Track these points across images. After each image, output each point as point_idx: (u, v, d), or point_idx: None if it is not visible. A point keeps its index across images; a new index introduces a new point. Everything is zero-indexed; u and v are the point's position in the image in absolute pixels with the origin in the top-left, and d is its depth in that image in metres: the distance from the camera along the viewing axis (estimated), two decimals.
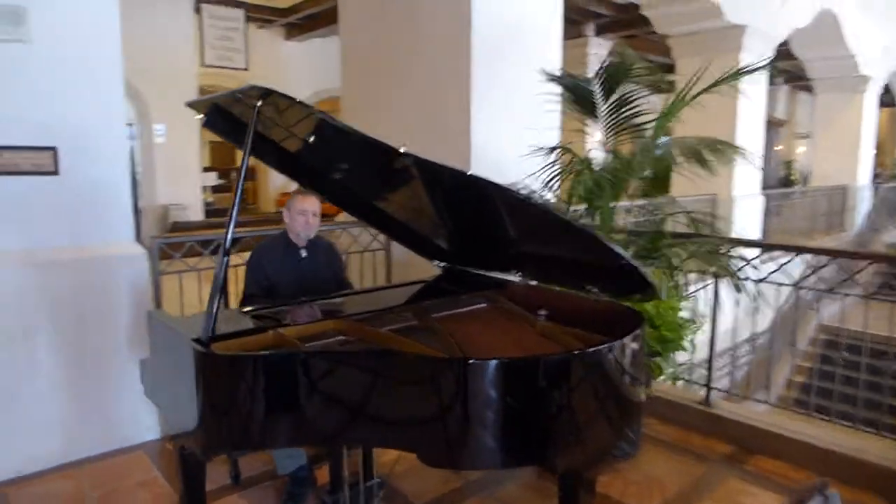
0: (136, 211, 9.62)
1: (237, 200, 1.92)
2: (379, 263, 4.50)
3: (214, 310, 1.87)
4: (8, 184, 2.84)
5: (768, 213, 9.36)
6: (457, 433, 1.84)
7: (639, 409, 2.23)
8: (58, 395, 2.97)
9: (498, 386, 1.82)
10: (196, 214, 9.71)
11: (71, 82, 2.95)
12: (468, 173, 2.21)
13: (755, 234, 8.60)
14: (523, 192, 2.85)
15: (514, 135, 3.92)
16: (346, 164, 2.64)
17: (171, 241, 3.44)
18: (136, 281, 3.15)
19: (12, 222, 2.87)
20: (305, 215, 2.84)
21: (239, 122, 2.24)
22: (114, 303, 3.09)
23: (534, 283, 2.80)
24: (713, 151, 3.16)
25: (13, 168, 2.84)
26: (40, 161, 2.89)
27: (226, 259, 1.86)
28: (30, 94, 2.85)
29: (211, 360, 1.81)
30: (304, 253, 2.93)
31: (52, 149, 2.92)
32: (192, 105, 2.28)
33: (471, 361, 1.80)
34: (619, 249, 2.05)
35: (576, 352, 1.93)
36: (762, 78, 8.25)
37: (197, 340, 1.88)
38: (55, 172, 2.94)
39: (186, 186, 9.57)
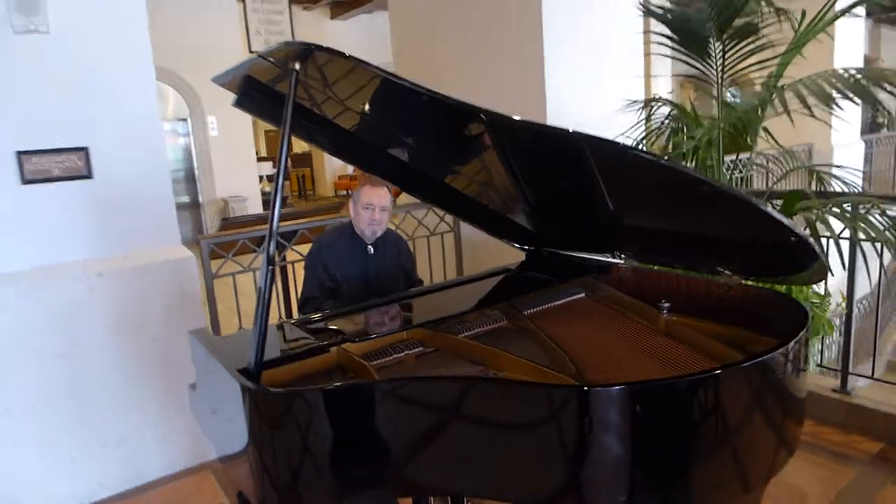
0: (198, 206, 9.63)
1: (277, 196, 1.51)
2: (448, 247, 4.08)
3: (261, 332, 1.49)
4: (39, 193, 2.56)
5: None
6: (576, 481, 1.40)
7: (800, 422, 1.73)
8: (111, 416, 2.72)
9: (640, 418, 1.36)
10: (255, 206, 9.57)
11: (96, 75, 2.64)
12: (565, 130, 1.73)
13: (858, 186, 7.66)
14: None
15: (596, 88, 3.38)
16: (411, 135, 2.20)
17: (221, 241, 3.12)
18: (186, 287, 2.85)
19: (45, 234, 2.60)
20: (372, 210, 2.43)
21: (278, 96, 1.84)
22: (163, 313, 2.80)
23: (641, 265, 2.31)
24: (854, 86, 2.53)
25: (43, 174, 2.56)
26: (71, 164, 2.60)
27: (270, 269, 1.46)
28: (52, 89, 2.55)
29: (263, 399, 1.43)
30: (371, 248, 2.53)
31: (83, 149, 2.63)
32: (220, 82, 1.89)
33: (597, 389, 1.35)
34: (785, 220, 1.53)
35: (745, 363, 1.44)
36: (860, 11, 7.23)
37: (244, 371, 1.50)
38: (88, 176, 2.65)
39: (243, 178, 9.41)
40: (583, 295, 2.30)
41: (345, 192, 14.44)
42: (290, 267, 3.42)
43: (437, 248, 4.03)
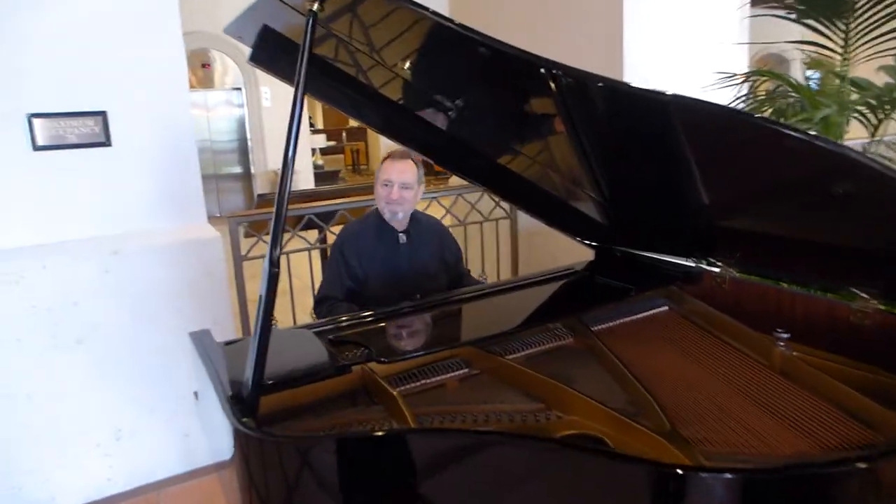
0: (249, 177, 9.50)
1: (287, 181, 1.16)
2: (503, 236, 3.69)
3: (259, 350, 1.15)
4: (52, 161, 2.31)
5: None
6: None
7: None
8: (125, 408, 2.49)
9: None
10: (307, 178, 9.38)
11: (117, 33, 2.35)
12: (661, 92, 1.33)
13: None
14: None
15: (684, 56, 2.88)
16: (460, 100, 1.82)
17: (253, 219, 2.84)
18: (211, 270, 2.57)
19: (57, 206, 2.36)
20: (390, 187, 2.07)
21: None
22: (186, 299, 2.54)
23: (742, 275, 1.87)
24: None
25: (57, 140, 2.30)
26: (87, 130, 2.34)
27: (273, 273, 1.12)
28: (68, 47, 2.28)
29: (258, 445, 1.10)
30: (403, 238, 2.17)
31: (101, 113, 2.36)
32: (232, 33, 1.55)
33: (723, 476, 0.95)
34: None
35: None
36: None
37: (236, 399, 1.18)
38: (107, 143, 2.38)
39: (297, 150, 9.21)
40: (666, 309, 1.89)
41: None
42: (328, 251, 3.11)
43: (490, 236, 3.64)
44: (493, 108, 1.92)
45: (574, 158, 1.93)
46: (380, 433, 1.12)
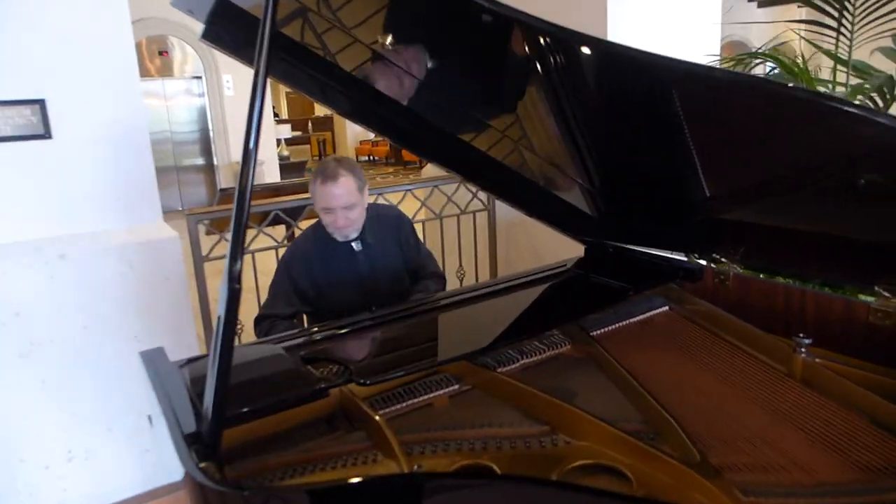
0: (212, 169, 9.14)
1: (249, 179, 0.97)
2: (480, 228, 3.53)
3: (219, 381, 0.97)
4: None
5: None
6: None
7: None
8: (77, 427, 2.27)
9: None
10: (272, 170, 9.06)
11: (56, 12, 2.11)
12: (662, 56, 1.21)
13: None
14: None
15: (668, 40, 2.75)
16: (433, 75, 1.64)
17: (214, 216, 2.62)
18: (170, 274, 2.36)
19: None
20: (332, 214, 1.85)
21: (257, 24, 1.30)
22: (143, 306, 2.32)
23: (747, 272, 1.75)
24: None
25: None
26: (24, 120, 2.09)
27: (233, 290, 0.94)
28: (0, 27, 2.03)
29: (218, 498, 0.92)
30: (357, 245, 1.97)
31: (40, 102, 2.12)
32: (182, 7, 1.34)
33: None
34: None
35: None
36: None
37: (194, 439, 1.00)
38: (46, 135, 2.14)
39: (260, 141, 8.87)
40: (666, 309, 1.75)
41: (366, 158, 13.91)
42: None
43: (468, 229, 3.48)
44: (469, 83, 1.75)
45: (560, 140, 1.79)
46: (360, 479, 0.95)
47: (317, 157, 14.25)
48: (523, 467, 1.08)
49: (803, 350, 1.35)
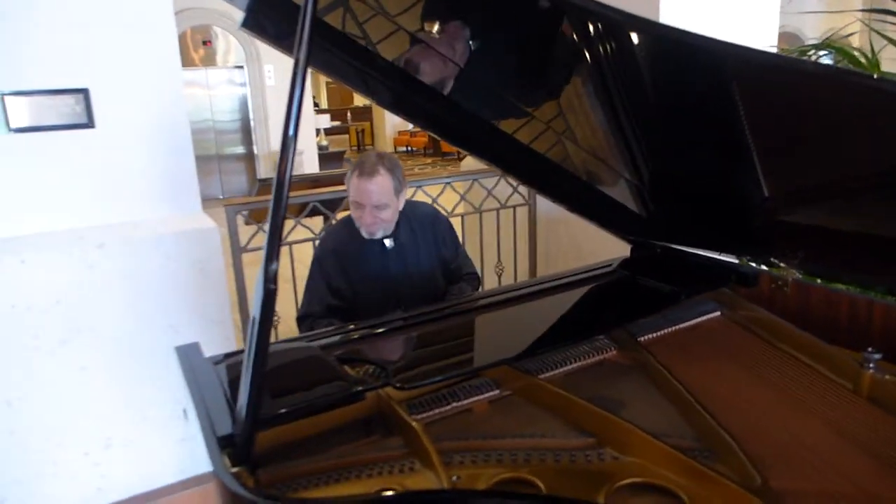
0: (252, 158, 9.24)
1: (287, 172, 0.92)
2: (520, 223, 3.46)
3: (254, 386, 0.93)
4: (29, 144, 2.09)
5: None
6: None
7: None
8: (115, 414, 2.29)
9: None
10: (311, 160, 9.12)
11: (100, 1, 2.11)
12: (728, 43, 1.12)
13: None
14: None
15: (725, 21, 2.62)
16: (479, 65, 1.58)
17: (253, 207, 2.62)
18: (208, 265, 2.36)
19: (35, 194, 2.14)
20: (362, 210, 1.80)
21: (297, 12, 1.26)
22: (181, 296, 2.33)
23: (807, 279, 1.64)
24: None
25: (34, 121, 2.08)
26: (68, 109, 2.11)
27: (269, 290, 0.90)
28: (45, 16, 2.04)
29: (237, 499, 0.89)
30: (389, 243, 1.91)
31: (83, 91, 2.13)
32: None
33: None
34: None
35: None
36: None
37: (227, 442, 0.97)
38: (89, 124, 2.15)
39: (300, 130, 8.93)
40: (718, 315, 1.66)
41: (405, 149, 13.90)
42: None
43: (507, 224, 3.41)
44: (513, 71, 1.68)
45: (608, 133, 1.71)
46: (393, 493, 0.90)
47: (355, 148, 14.31)
48: (568, 483, 1.02)
49: (872, 365, 1.25)
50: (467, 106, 1.75)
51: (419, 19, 1.52)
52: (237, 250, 2.56)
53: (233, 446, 0.97)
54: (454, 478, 1.03)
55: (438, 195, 2.98)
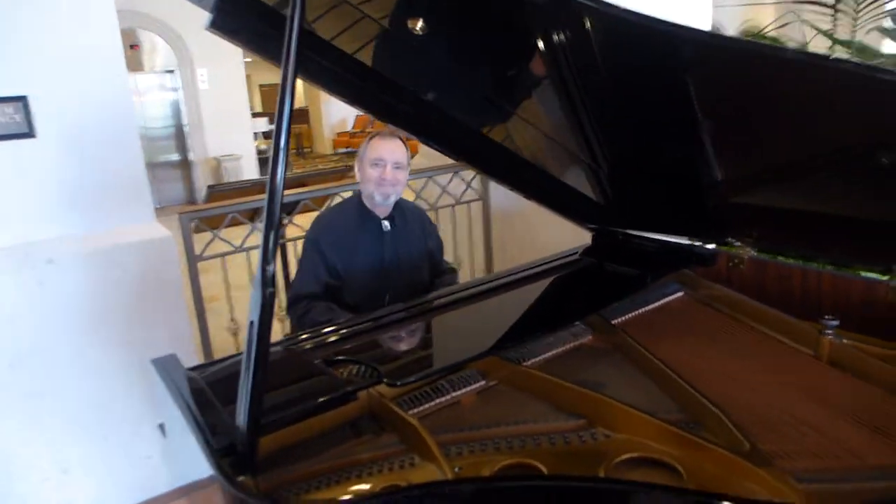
0: (188, 165, 8.93)
1: (279, 165, 0.91)
2: (475, 218, 3.50)
3: (254, 391, 0.92)
4: None
5: None
6: None
7: None
8: (74, 437, 2.19)
9: None
10: (250, 165, 8.89)
11: (36, 3, 2.00)
12: (679, 25, 1.17)
13: None
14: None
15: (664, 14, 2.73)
16: (432, 51, 1.59)
17: (206, 215, 2.54)
18: (164, 275, 2.28)
19: None
20: (382, 166, 1.86)
21: (267, 11, 1.24)
22: (137, 309, 2.24)
23: (762, 255, 1.74)
24: None
25: None
26: (6, 119, 1.99)
27: (268, 294, 0.88)
28: None
29: None
30: (387, 225, 1.96)
31: (21, 99, 2.01)
32: None
33: None
34: None
35: None
36: None
37: (225, 453, 0.95)
38: (30, 134, 2.04)
39: (237, 135, 8.68)
40: (682, 294, 1.74)
41: (344, 150, 13.74)
42: (290, 246, 2.84)
43: (463, 220, 3.44)
44: (469, 59, 1.70)
45: (566, 121, 1.74)
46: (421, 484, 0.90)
47: (294, 151, 14.04)
48: (567, 464, 1.05)
49: (830, 332, 1.34)
50: (423, 95, 1.75)
51: (379, 10, 1.52)
52: (192, 259, 2.49)
53: (233, 455, 0.95)
54: (456, 469, 1.05)
55: None
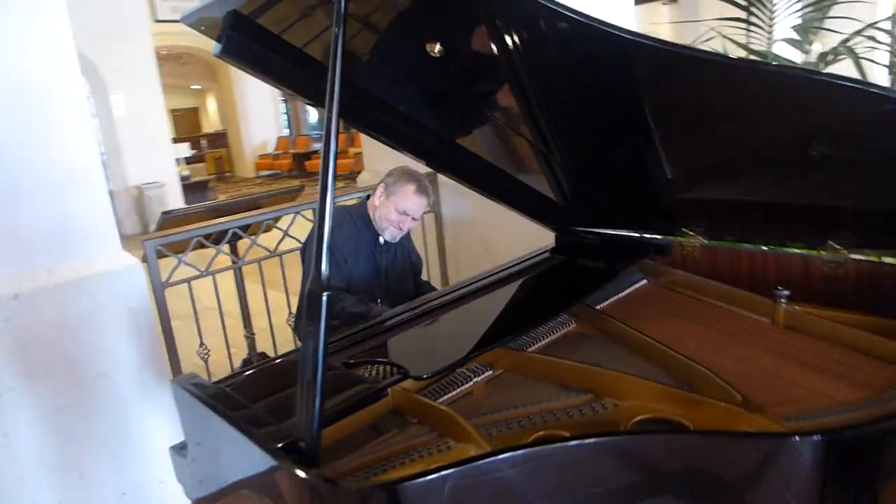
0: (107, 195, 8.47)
1: (330, 164, 0.99)
2: (428, 230, 3.61)
3: (318, 392, 0.99)
4: None
5: None
6: None
7: None
8: (47, 479, 2.11)
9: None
10: (174, 192, 8.59)
11: None
12: (627, 30, 1.26)
13: None
14: None
15: None
16: (395, 62, 1.68)
17: (171, 241, 2.52)
18: (134, 304, 2.25)
19: None
20: (405, 218, 2.07)
21: (270, 39, 1.31)
22: (110, 342, 2.19)
23: (713, 243, 1.96)
24: None
25: None
26: None
27: (325, 298, 0.96)
28: None
29: (341, 498, 0.94)
30: (382, 239, 2.13)
31: None
32: (191, 22, 1.32)
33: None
34: None
35: None
36: None
37: (292, 448, 1.01)
38: None
39: (158, 162, 8.36)
40: (646, 282, 1.93)
41: (267, 173, 13.50)
42: (252, 267, 2.85)
43: (416, 232, 3.54)
44: (428, 66, 1.70)
45: (524, 125, 1.84)
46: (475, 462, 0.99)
47: (215, 176, 13.66)
48: (589, 432, 1.17)
49: (784, 301, 1.55)
50: (385, 97, 1.80)
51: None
52: (159, 286, 2.46)
53: (297, 453, 1.01)
54: (493, 445, 1.15)
55: None
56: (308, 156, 12.83)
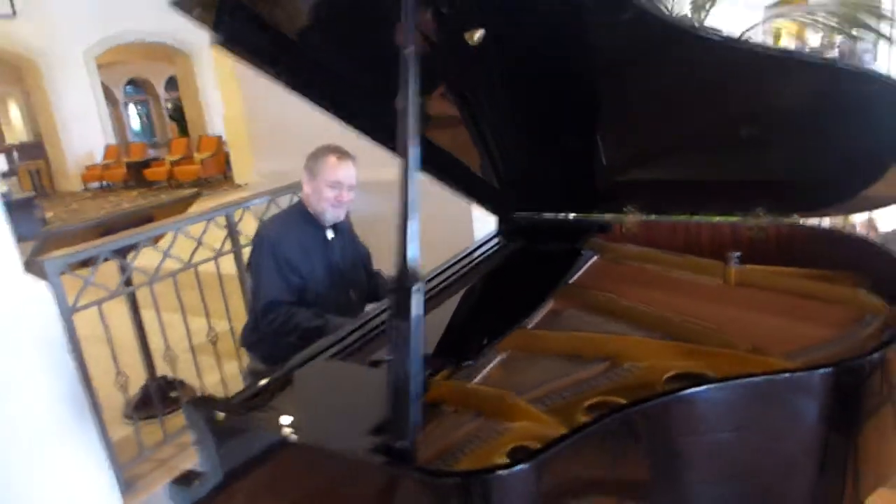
0: None
1: (410, 160, 0.96)
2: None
3: (415, 391, 0.97)
4: None
5: None
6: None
7: None
8: None
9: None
10: None
11: None
12: None
13: None
14: None
15: None
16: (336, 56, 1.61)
17: (78, 259, 2.21)
18: (48, 332, 1.96)
19: None
20: (339, 189, 1.96)
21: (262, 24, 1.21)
22: (16, 378, 1.89)
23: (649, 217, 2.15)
24: None
25: None
26: None
27: (417, 290, 0.93)
28: None
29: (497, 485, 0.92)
30: (331, 233, 2.07)
31: None
32: (183, 8, 1.18)
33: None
34: None
35: None
36: None
37: (398, 452, 0.97)
38: None
39: None
40: (597, 258, 2.07)
41: (97, 185, 12.12)
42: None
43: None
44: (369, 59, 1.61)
45: (465, 109, 1.88)
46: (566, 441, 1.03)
47: (31, 191, 11.97)
48: (630, 395, 1.25)
49: (734, 261, 1.77)
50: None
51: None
52: (66, 311, 2.15)
53: (395, 453, 0.98)
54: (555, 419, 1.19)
55: (240, 220, 2.82)
56: (147, 164, 11.72)
